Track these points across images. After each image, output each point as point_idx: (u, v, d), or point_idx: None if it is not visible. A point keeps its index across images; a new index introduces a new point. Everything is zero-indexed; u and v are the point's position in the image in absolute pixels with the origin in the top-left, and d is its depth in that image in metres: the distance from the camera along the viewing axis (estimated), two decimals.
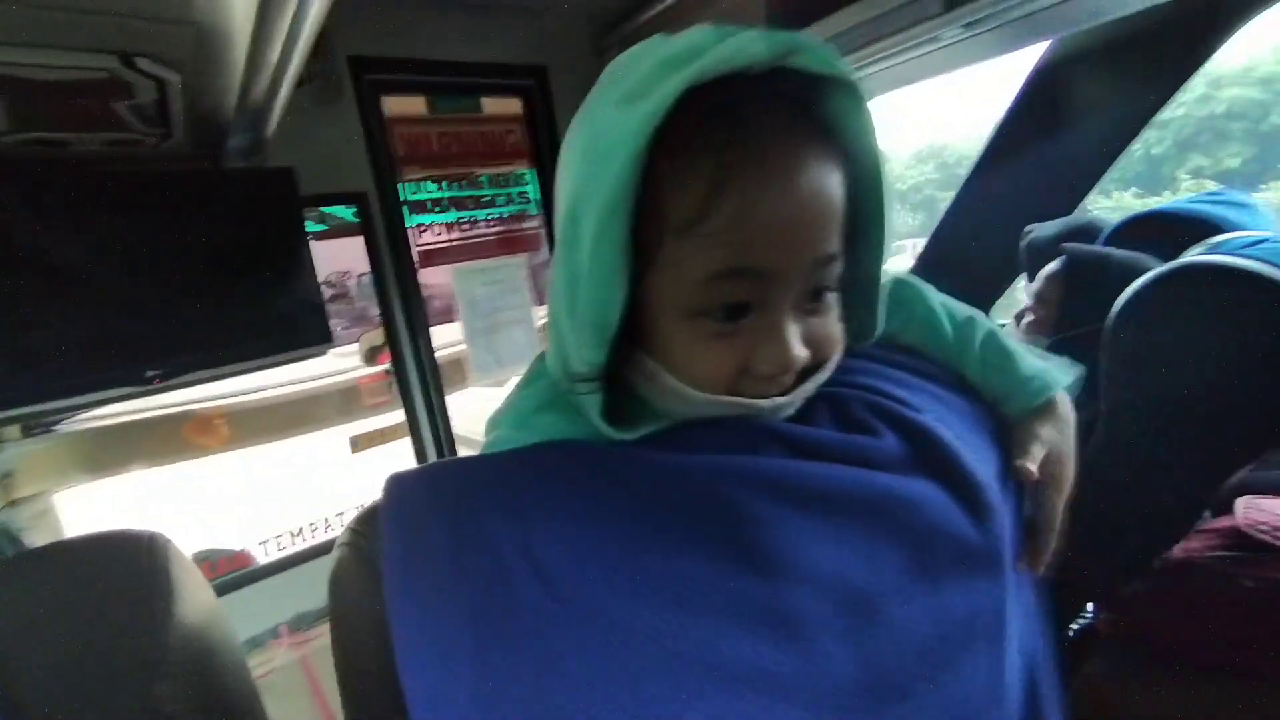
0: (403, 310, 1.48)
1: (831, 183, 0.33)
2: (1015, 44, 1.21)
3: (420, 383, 1.52)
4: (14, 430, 1.39)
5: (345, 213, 1.45)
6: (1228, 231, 0.95)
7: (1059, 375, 0.45)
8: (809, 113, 0.33)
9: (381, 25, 1.37)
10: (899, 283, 0.48)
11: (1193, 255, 0.83)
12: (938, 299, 0.48)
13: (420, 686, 0.28)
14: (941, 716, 0.32)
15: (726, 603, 0.29)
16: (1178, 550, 0.88)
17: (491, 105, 1.64)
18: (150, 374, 0.91)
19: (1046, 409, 0.44)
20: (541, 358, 0.41)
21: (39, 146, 0.80)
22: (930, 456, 0.36)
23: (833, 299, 0.36)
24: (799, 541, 0.31)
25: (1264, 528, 0.83)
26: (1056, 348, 1.00)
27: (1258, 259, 0.72)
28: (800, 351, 0.34)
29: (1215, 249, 0.85)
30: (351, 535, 0.36)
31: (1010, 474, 0.41)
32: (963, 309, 0.48)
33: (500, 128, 1.68)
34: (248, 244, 1.05)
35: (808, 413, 0.37)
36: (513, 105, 1.68)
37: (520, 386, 0.43)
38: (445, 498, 0.32)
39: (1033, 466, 0.40)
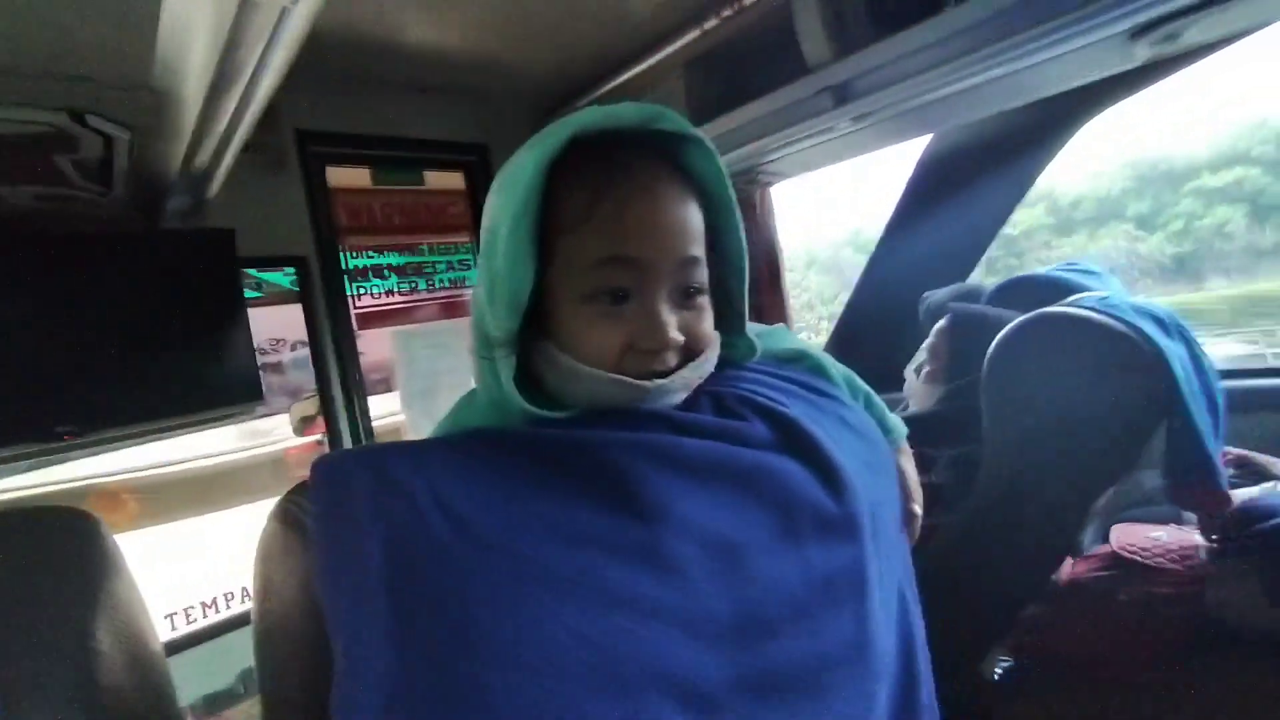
0: (339, 375, 1.47)
1: (688, 204, 0.43)
2: (898, 137, 1.40)
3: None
4: None
5: (282, 279, 1.46)
6: (1080, 293, 1.11)
7: (903, 425, 0.62)
8: (668, 157, 0.44)
9: (329, 100, 1.45)
10: (806, 350, 0.59)
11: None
12: (830, 361, 0.59)
13: (341, 612, 0.32)
14: (807, 659, 0.37)
15: (610, 541, 0.34)
16: (1065, 573, 0.97)
17: (434, 179, 1.72)
18: (60, 430, 0.87)
19: (904, 451, 0.60)
20: (469, 394, 0.48)
21: None
22: (793, 440, 0.43)
23: (704, 301, 0.45)
24: (675, 497, 0.37)
25: (1132, 548, 0.93)
26: (949, 396, 1.12)
27: (1099, 310, 0.86)
28: (675, 335, 0.42)
29: (1070, 305, 1.00)
30: (282, 504, 0.38)
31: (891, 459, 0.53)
32: (850, 373, 0.61)
33: (442, 200, 1.76)
34: (182, 302, 1.05)
35: (691, 405, 0.44)
36: (455, 179, 1.77)
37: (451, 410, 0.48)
38: (368, 460, 0.36)
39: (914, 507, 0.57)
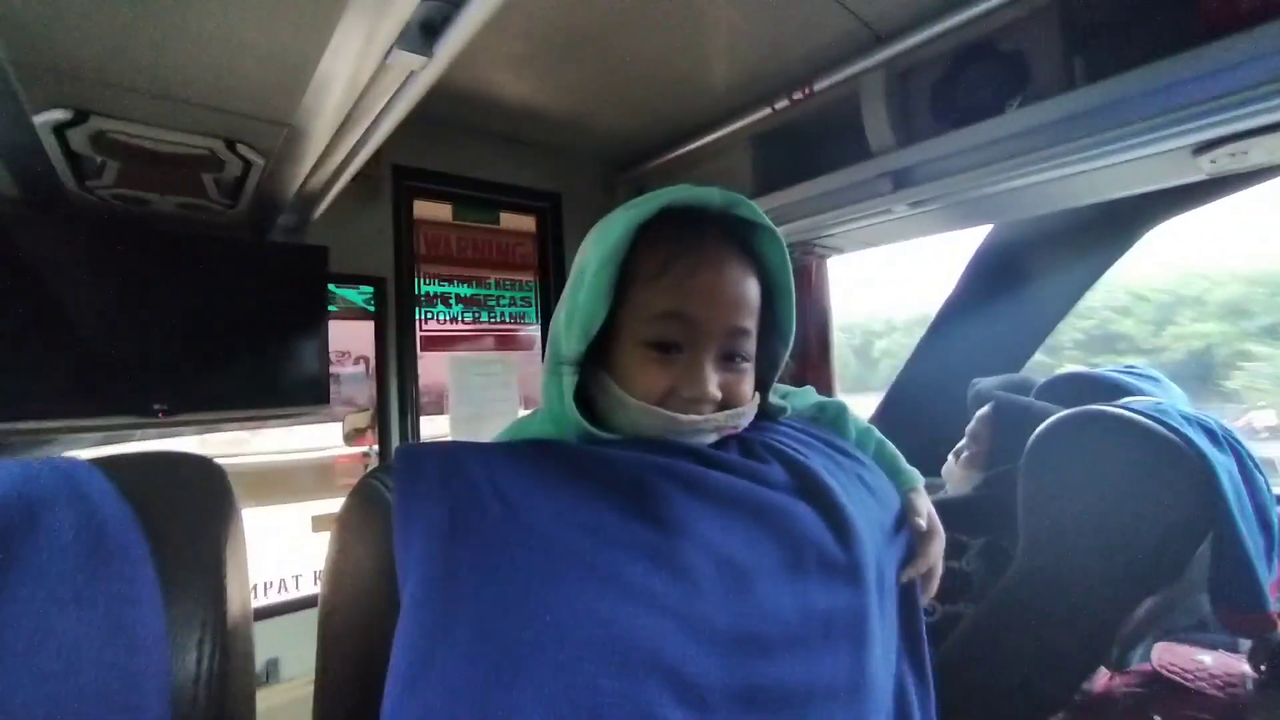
0: (398, 392, 1.56)
1: (747, 281, 0.49)
2: (956, 225, 1.44)
3: None
4: None
5: (356, 297, 1.58)
6: (1132, 396, 1.09)
7: (918, 474, 0.63)
8: (739, 240, 0.50)
9: (425, 141, 1.60)
10: (827, 401, 0.64)
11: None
12: (849, 410, 0.63)
13: (411, 565, 0.37)
14: (799, 686, 0.39)
15: (633, 543, 0.39)
16: (1099, 685, 0.93)
17: (508, 220, 1.85)
18: (156, 407, 0.97)
19: (918, 491, 0.60)
20: (530, 414, 0.55)
21: (124, 202, 0.93)
22: (808, 487, 0.47)
23: (746, 367, 0.50)
24: (692, 517, 0.41)
25: (1174, 668, 0.88)
26: (986, 483, 1.11)
27: (1144, 413, 0.85)
28: (714, 390, 0.47)
29: (1118, 406, 0.99)
30: (365, 480, 0.44)
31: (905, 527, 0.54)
32: (865, 423, 0.64)
33: (514, 241, 1.88)
34: (274, 307, 1.16)
35: (721, 446, 0.49)
36: (527, 222, 1.89)
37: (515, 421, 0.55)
38: (441, 453, 0.42)
39: (922, 523, 0.55)
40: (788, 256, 0.51)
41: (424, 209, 1.66)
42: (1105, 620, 0.83)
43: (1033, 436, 0.91)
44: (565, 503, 0.40)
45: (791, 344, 0.54)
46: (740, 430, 0.51)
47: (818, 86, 1.26)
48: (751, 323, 0.50)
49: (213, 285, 1.09)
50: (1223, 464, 0.79)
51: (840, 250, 1.68)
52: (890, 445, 0.63)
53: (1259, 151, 0.96)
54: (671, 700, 0.35)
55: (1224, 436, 0.83)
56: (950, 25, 1.07)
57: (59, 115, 0.66)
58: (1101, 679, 0.94)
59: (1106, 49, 1.02)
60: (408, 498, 0.40)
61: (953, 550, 1.02)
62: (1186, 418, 0.85)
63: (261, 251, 1.18)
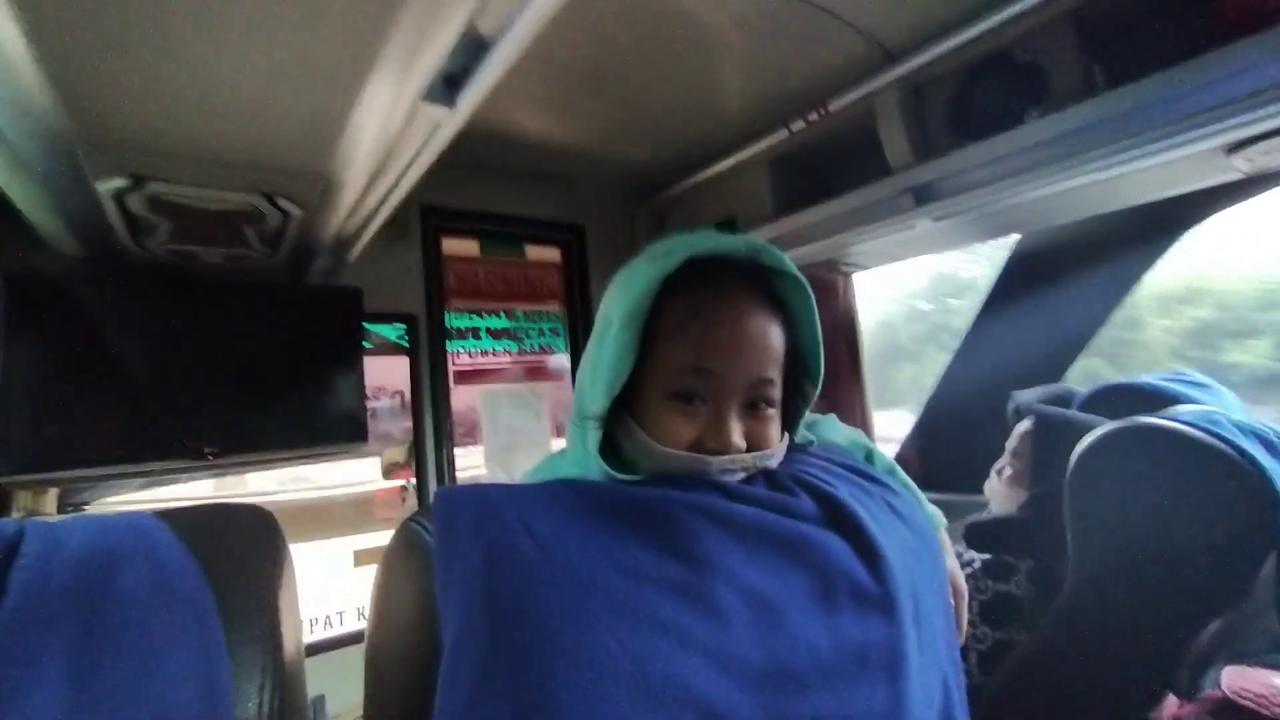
0: (433, 425, 1.60)
1: (770, 329, 0.50)
2: (981, 236, 1.42)
3: None
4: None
5: (390, 332, 1.63)
6: (1180, 404, 1.05)
7: (941, 516, 0.64)
8: (763, 288, 0.51)
9: (450, 181, 1.65)
10: (853, 442, 0.65)
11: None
12: (875, 448, 0.64)
13: (452, 605, 0.38)
14: (840, 716, 0.39)
15: (663, 579, 0.39)
16: (1167, 714, 0.88)
17: (534, 253, 1.89)
18: (208, 451, 1.02)
19: (941, 536, 0.61)
20: (558, 453, 0.56)
21: (176, 255, 0.99)
22: (837, 517, 0.47)
23: (771, 414, 0.51)
24: (721, 551, 0.41)
25: (1247, 694, 0.83)
26: (1032, 503, 1.07)
27: (1194, 424, 0.82)
28: (739, 440, 0.48)
29: (1166, 417, 0.95)
30: (406, 524, 0.45)
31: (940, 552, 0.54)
32: (889, 460, 0.65)
33: (539, 272, 1.92)
34: (314, 348, 1.21)
35: (748, 481, 0.49)
36: (553, 254, 1.93)
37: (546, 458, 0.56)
38: (477, 492, 0.44)
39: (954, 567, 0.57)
40: (814, 302, 0.52)
41: (451, 245, 1.71)
42: (1165, 646, 0.79)
43: (1077, 452, 0.89)
44: (596, 541, 0.41)
45: (820, 384, 0.54)
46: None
47: (833, 106, 1.27)
48: (775, 372, 0.50)
49: (256, 330, 1.14)
50: None
51: (864, 267, 1.67)
52: (913, 485, 0.63)
53: None
54: None
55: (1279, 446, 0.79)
56: (964, 40, 1.08)
57: (119, 183, 0.72)
58: (1170, 707, 0.89)
59: (1125, 54, 1.01)
60: (446, 540, 0.41)
61: (1001, 572, 0.99)
62: (1241, 427, 0.81)
63: (300, 295, 1.24)
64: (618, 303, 0.48)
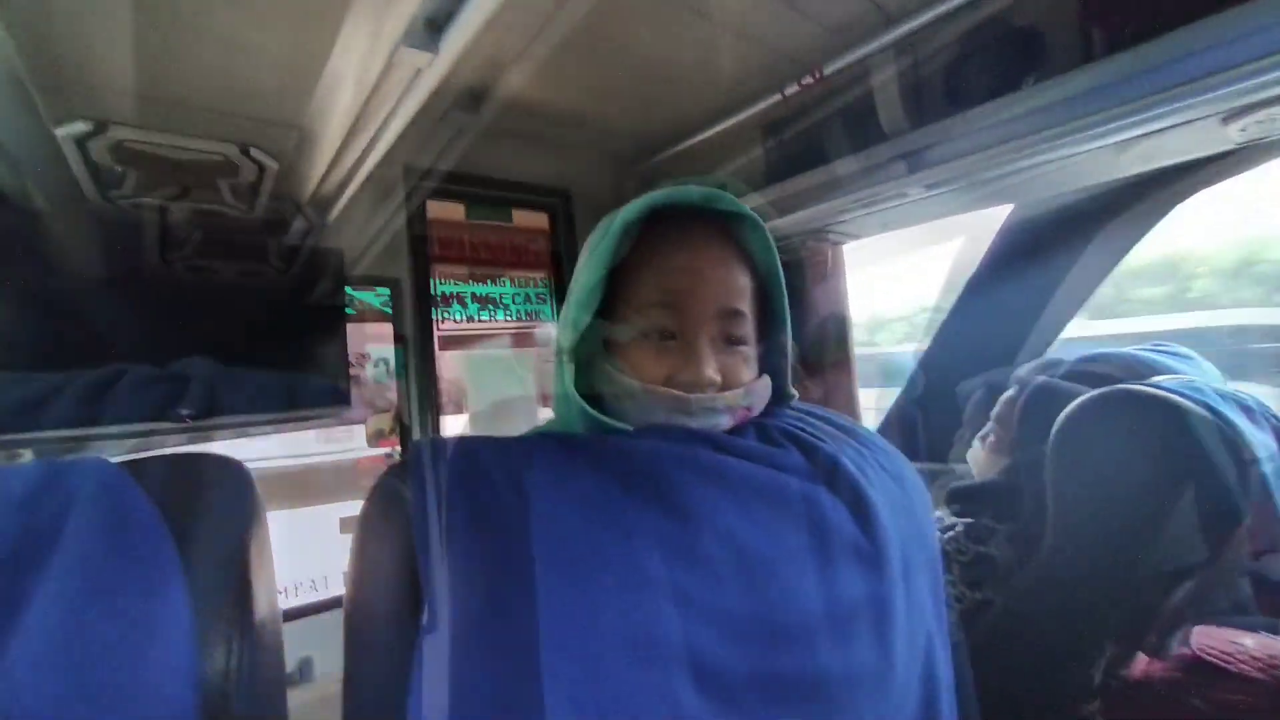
0: (418, 390, 1.58)
1: (732, 265, 0.51)
2: (974, 206, 1.41)
3: None
4: None
5: (373, 299, 1.60)
6: (1164, 374, 1.07)
7: None
8: (722, 228, 0.52)
9: (435, 142, 1.60)
10: None
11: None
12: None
13: (432, 563, 0.37)
14: (821, 672, 0.39)
15: (653, 533, 0.39)
16: (1137, 671, 0.90)
17: (520, 218, 1.86)
18: (185, 414, 0.99)
19: None
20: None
21: (141, 210, 0.95)
22: (828, 473, 0.47)
23: (746, 351, 0.51)
24: (713, 508, 0.41)
25: (1213, 652, 0.86)
26: (1013, 468, 1.09)
27: (1175, 391, 0.83)
28: (713, 374, 0.48)
29: (1149, 384, 0.96)
30: (385, 478, 0.44)
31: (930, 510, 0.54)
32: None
33: (526, 238, 1.89)
34: (293, 312, 1.18)
35: (737, 433, 0.49)
36: (540, 219, 1.89)
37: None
38: (457, 448, 0.43)
39: None
40: (772, 243, 0.52)
41: (436, 209, 1.67)
42: (1140, 605, 0.81)
43: (1060, 418, 0.89)
44: (582, 494, 0.40)
45: (789, 329, 0.54)
46: (754, 414, 0.51)
47: (828, 70, 1.24)
48: (744, 305, 0.51)
49: (232, 292, 1.11)
50: (1261, 442, 0.76)
51: (856, 236, 1.66)
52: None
53: None
54: (693, 689, 0.35)
55: (1262, 414, 0.80)
56: (961, 2, 1.05)
57: (80, 127, 0.68)
58: (1139, 665, 0.92)
59: (1126, 17, 0.99)
60: (424, 495, 0.40)
61: (981, 535, 1.01)
62: (1222, 395, 0.82)
63: (278, 256, 1.20)
64: (591, 250, 0.51)
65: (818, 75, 1.28)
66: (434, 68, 0.65)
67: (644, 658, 0.35)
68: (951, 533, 1.02)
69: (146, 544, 0.41)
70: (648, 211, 0.49)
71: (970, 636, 0.96)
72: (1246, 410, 0.79)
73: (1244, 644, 0.88)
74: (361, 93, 0.70)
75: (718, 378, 0.48)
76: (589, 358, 0.51)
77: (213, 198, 0.94)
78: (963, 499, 1.08)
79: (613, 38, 1.21)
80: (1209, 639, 0.90)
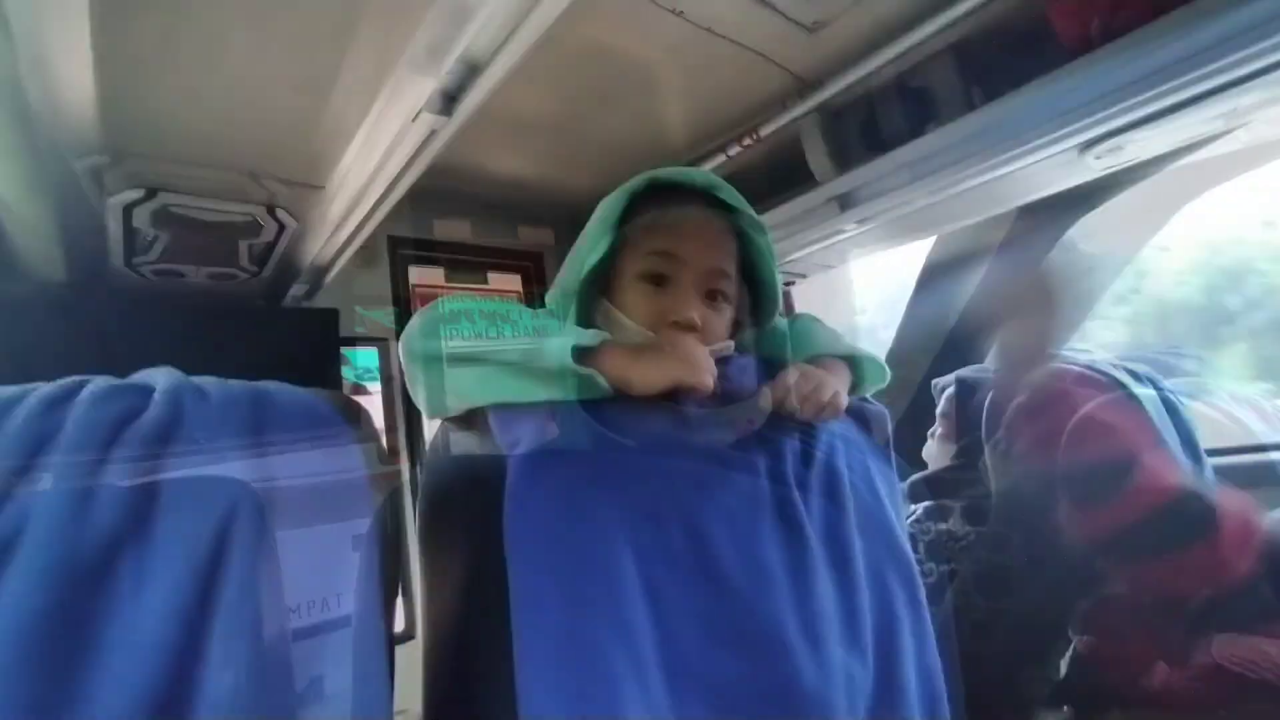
0: (407, 447, 1.64)
1: (727, 234, 0.62)
2: (899, 240, 1.61)
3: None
4: None
5: (350, 375, 1.65)
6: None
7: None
8: (720, 209, 0.63)
9: (417, 213, 1.75)
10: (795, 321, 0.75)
11: None
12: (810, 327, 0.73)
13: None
14: (801, 671, 0.48)
15: (624, 532, 0.49)
16: (1158, 679, 0.92)
17: (496, 280, 1.99)
18: None
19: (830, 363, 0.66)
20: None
21: (162, 276, 1.04)
22: (808, 475, 0.56)
23: (725, 307, 0.62)
24: (683, 504, 0.51)
25: (1237, 660, 0.87)
26: (960, 453, 1.22)
27: (1079, 364, 0.99)
28: (696, 317, 0.58)
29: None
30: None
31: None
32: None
33: (501, 298, 2.01)
34: (294, 370, 1.25)
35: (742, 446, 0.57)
36: (514, 281, 2.03)
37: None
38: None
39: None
40: (770, 238, 0.64)
41: (418, 274, 1.79)
42: (1079, 549, 0.93)
43: (988, 399, 1.04)
44: (560, 492, 0.50)
45: (780, 294, 0.67)
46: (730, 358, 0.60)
47: (764, 131, 1.45)
48: (730, 267, 0.62)
49: (237, 353, 1.18)
50: (1147, 395, 0.92)
51: (804, 276, 1.84)
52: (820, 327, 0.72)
53: (1134, 146, 1.15)
54: (664, 686, 0.45)
55: (1144, 375, 0.97)
56: (866, 71, 1.27)
57: (132, 195, 0.78)
58: (1160, 674, 0.92)
59: (996, 75, 1.22)
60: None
61: (940, 515, 1.12)
62: (1113, 364, 0.99)
63: (279, 317, 1.29)
64: (595, 216, 0.62)
65: (756, 137, 1.49)
66: (445, 130, 0.79)
67: (617, 655, 0.43)
68: (913, 516, 1.13)
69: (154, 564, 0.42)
70: (648, 184, 0.61)
71: (939, 606, 1.05)
72: (1134, 375, 0.95)
73: (1269, 652, 0.87)
74: (381, 155, 0.83)
75: (699, 321, 0.58)
76: (584, 304, 0.61)
77: (229, 260, 1.03)
78: (922, 487, 1.20)
79: (571, 117, 1.41)
80: (1233, 648, 0.89)
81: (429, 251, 1.81)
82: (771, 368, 0.63)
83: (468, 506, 0.60)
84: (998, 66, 1.24)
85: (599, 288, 0.61)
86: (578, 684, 0.44)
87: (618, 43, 1.17)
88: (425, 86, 0.69)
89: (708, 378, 0.52)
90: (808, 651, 0.49)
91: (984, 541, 1.02)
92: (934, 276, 1.98)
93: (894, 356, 2.03)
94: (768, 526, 0.52)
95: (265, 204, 0.87)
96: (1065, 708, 0.93)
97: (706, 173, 0.63)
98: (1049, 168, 1.20)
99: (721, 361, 0.57)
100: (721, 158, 1.59)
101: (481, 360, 0.52)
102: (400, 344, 0.59)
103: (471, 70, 0.70)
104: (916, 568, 0.62)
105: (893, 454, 0.68)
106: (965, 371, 1.30)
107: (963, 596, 1.01)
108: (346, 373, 1.61)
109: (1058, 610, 0.98)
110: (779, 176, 1.57)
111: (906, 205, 1.32)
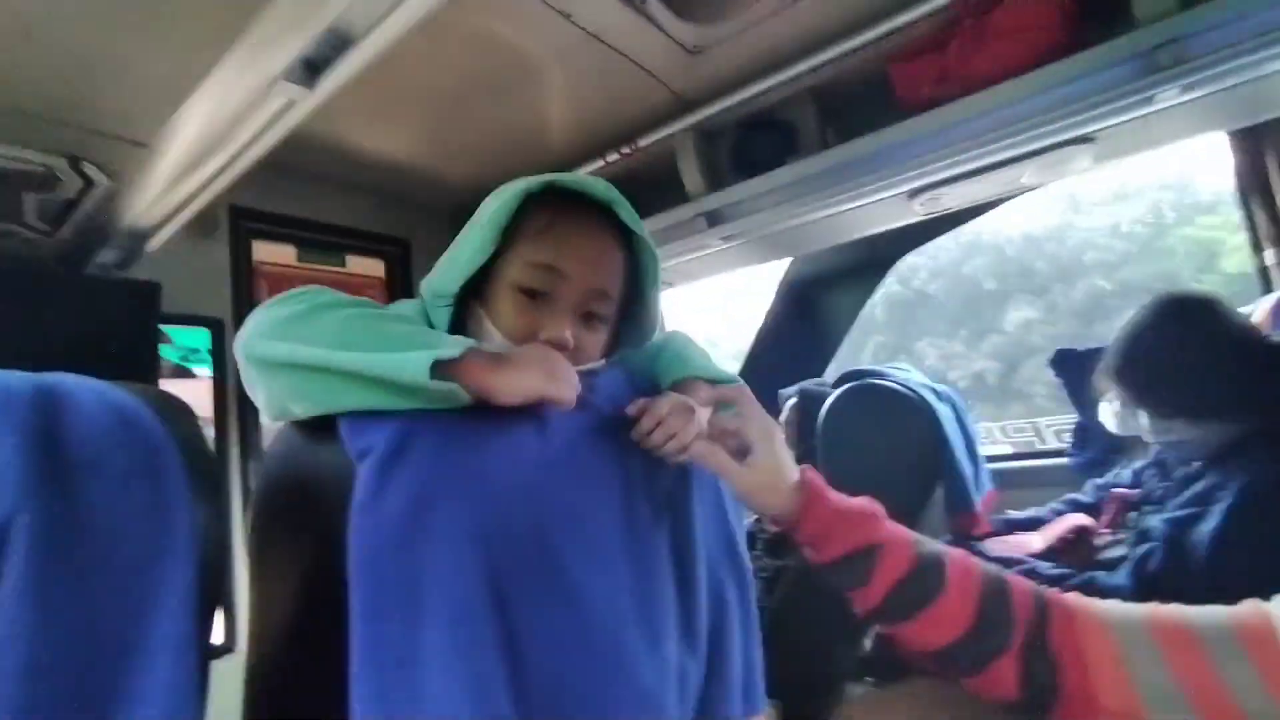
0: (239, 437, 1.47)
1: (617, 258, 0.59)
2: (759, 258, 1.75)
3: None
4: None
5: (174, 354, 1.45)
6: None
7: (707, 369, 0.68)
8: (616, 229, 0.60)
9: (266, 184, 1.57)
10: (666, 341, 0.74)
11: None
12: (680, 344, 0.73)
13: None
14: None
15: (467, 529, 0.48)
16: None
17: (356, 264, 1.85)
18: None
19: (696, 384, 0.64)
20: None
21: None
22: (650, 475, 0.58)
23: (601, 329, 0.60)
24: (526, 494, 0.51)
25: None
26: (799, 458, 1.35)
27: (894, 382, 1.14)
28: (569, 337, 0.56)
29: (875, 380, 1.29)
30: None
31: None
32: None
33: (360, 284, 1.88)
34: (98, 353, 1.08)
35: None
36: (376, 267, 1.91)
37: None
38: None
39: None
40: (659, 265, 0.62)
41: (265, 251, 1.62)
42: None
43: (822, 411, 1.16)
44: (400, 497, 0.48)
45: (656, 327, 0.66)
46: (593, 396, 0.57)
47: (642, 143, 1.50)
48: (615, 289, 0.59)
49: (19, 330, 0.99)
50: (945, 413, 1.08)
51: (670, 285, 1.93)
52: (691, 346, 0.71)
53: (950, 197, 1.34)
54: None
55: (944, 394, 1.14)
56: (738, 100, 1.36)
57: None
58: None
59: (848, 121, 1.37)
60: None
61: None
62: (922, 384, 1.15)
63: (83, 288, 1.10)
64: (483, 210, 0.58)
65: (634, 147, 1.53)
66: (305, 104, 0.73)
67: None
68: (755, 516, 1.24)
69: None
70: (546, 186, 0.56)
71: (775, 597, 1.16)
72: (936, 392, 1.12)
73: None
74: (223, 121, 0.75)
75: (572, 342, 0.56)
76: (458, 305, 0.57)
77: (12, 214, 0.87)
78: None
79: (453, 99, 1.36)
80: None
81: (280, 227, 1.64)
82: (637, 383, 0.63)
83: (308, 515, 0.55)
84: (849, 113, 1.40)
85: (474, 289, 0.57)
86: (412, 698, 0.43)
87: (506, 36, 1.15)
88: (285, 52, 0.63)
89: (570, 391, 0.51)
90: (647, 653, 0.51)
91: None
92: (788, 294, 2.17)
93: (748, 366, 2.20)
94: (617, 533, 0.54)
95: (66, 154, 0.75)
96: (868, 678, 1.07)
97: (609, 186, 0.59)
98: (884, 208, 1.37)
99: (588, 374, 0.57)
100: (600, 163, 1.61)
101: (333, 369, 0.48)
102: (238, 342, 0.53)
103: (341, 41, 0.66)
104: (751, 570, 0.66)
105: None
106: (808, 384, 1.44)
107: (792, 589, 1.12)
108: (168, 353, 1.41)
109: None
110: (652, 188, 1.63)
111: (768, 227, 1.44)
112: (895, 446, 1.06)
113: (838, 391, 1.15)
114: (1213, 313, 0.89)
